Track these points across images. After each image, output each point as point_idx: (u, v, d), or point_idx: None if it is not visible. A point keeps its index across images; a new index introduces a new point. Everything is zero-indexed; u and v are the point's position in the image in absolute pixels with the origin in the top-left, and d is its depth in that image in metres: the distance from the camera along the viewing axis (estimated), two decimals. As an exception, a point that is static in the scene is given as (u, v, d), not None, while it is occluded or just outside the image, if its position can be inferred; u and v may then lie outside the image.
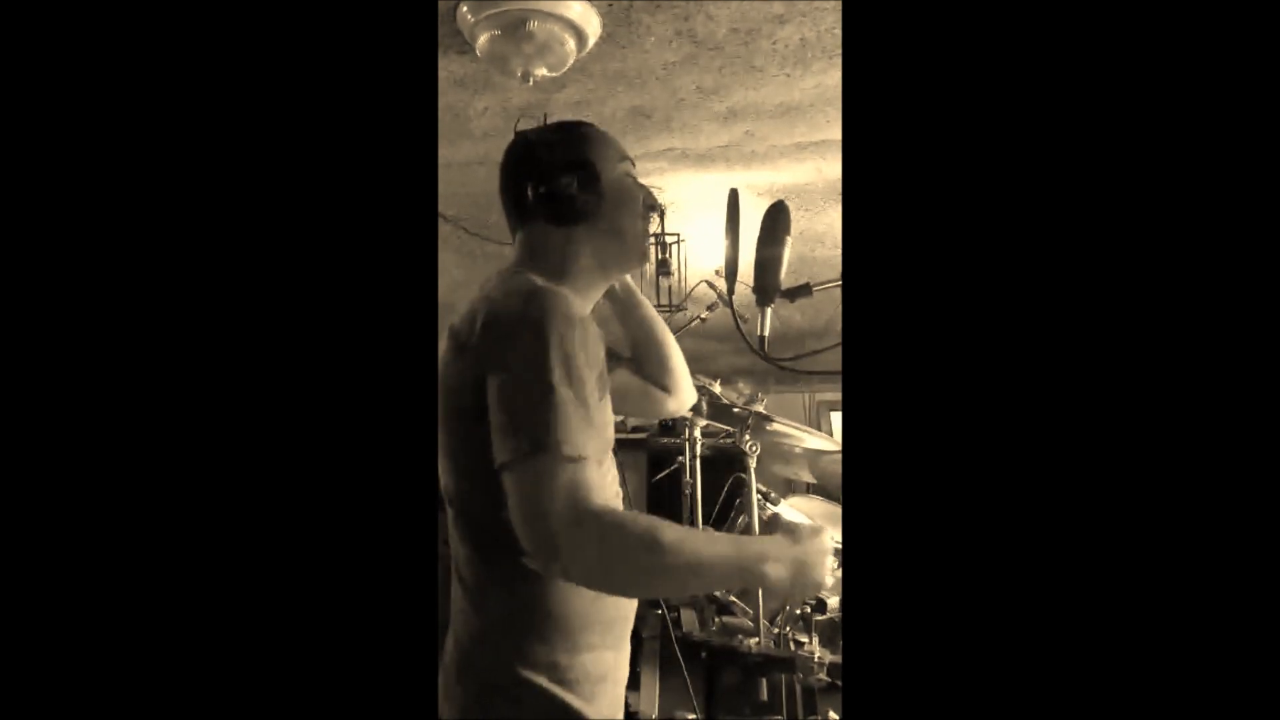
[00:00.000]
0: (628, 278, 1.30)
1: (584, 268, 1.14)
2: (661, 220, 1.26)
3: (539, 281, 1.01)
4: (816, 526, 1.01)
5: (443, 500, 1.06)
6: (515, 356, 0.92)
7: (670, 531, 0.87)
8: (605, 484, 0.99)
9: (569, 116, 1.99)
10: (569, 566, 0.86)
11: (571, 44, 1.54)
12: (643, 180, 1.22)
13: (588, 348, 0.94)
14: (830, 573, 0.99)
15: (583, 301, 1.14)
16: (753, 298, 1.10)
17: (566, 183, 1.09)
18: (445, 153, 2.13)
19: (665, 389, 1.35)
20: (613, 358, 1.30)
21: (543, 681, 0.95)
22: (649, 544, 0.85)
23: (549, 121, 1.20)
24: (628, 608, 1.08)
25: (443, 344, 1.05)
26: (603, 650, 1.01)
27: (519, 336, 0.92)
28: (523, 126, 1.21)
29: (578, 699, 0.97)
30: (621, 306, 1.31)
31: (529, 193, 1.12)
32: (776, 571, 0.93)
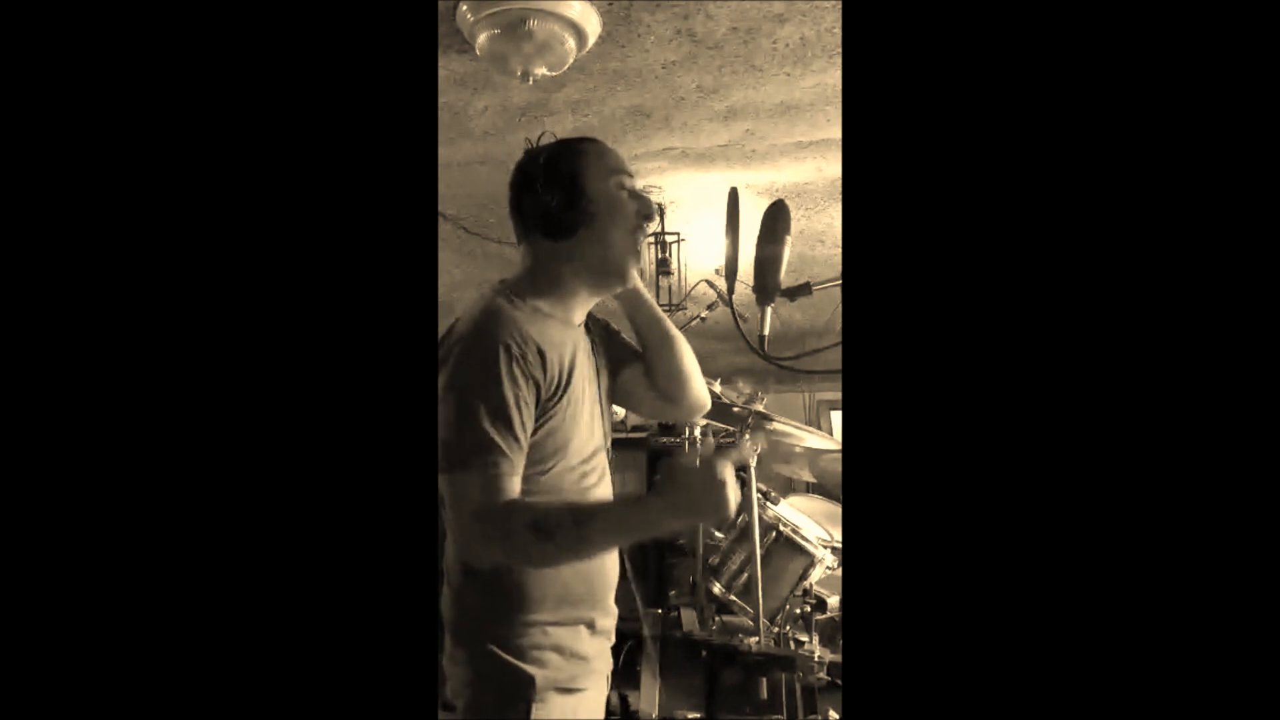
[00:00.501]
0: (637, 277, 1.30)
1: (573, 281, 1.20)
2: (661, 219, 1.27)
3: (499, 302, 1.12)
4: (707, 459, 1.02)
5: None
6: (454, 373, 1.06)
7: (558, 516, 1.04)
8: (564, 487, 1.13)
9: (568, 116, 2.01)
10: (481, 557, 1.08)
11: (571, 43, 1.54)
12: (642, 179, 1.23)
13: (519, 371, 1.05)
14: (731, 499, 1.00)
15: (559, 318, 1.18)
16: (753, 297, 1.10)
17: (550, 198, 1.16)
18: (445, 152, 2.13)
19: (670, 395, 1.32)
20: (629, 355, 1.33)
21: (499, 651, 1.10)
22: (539, 532, 1.01)
23: (554, 137, 1.24)
24: (582, 587, 1.16)
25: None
26: (555, 625, 1.13)
27: (460, 355, 1.06)
28: (526, 132, 1.23)
29: (527, 664, 1.10)
30: (628, 306, 1.31)
31: (524, 208, 1.20)
32: (667, 522, 1.04)
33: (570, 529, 1.03)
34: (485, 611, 1.12)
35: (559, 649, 1.13)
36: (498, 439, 1.03)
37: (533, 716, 1.08)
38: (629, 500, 1.20)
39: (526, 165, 1.20)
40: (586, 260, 1.18)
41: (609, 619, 1.22)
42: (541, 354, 1.08)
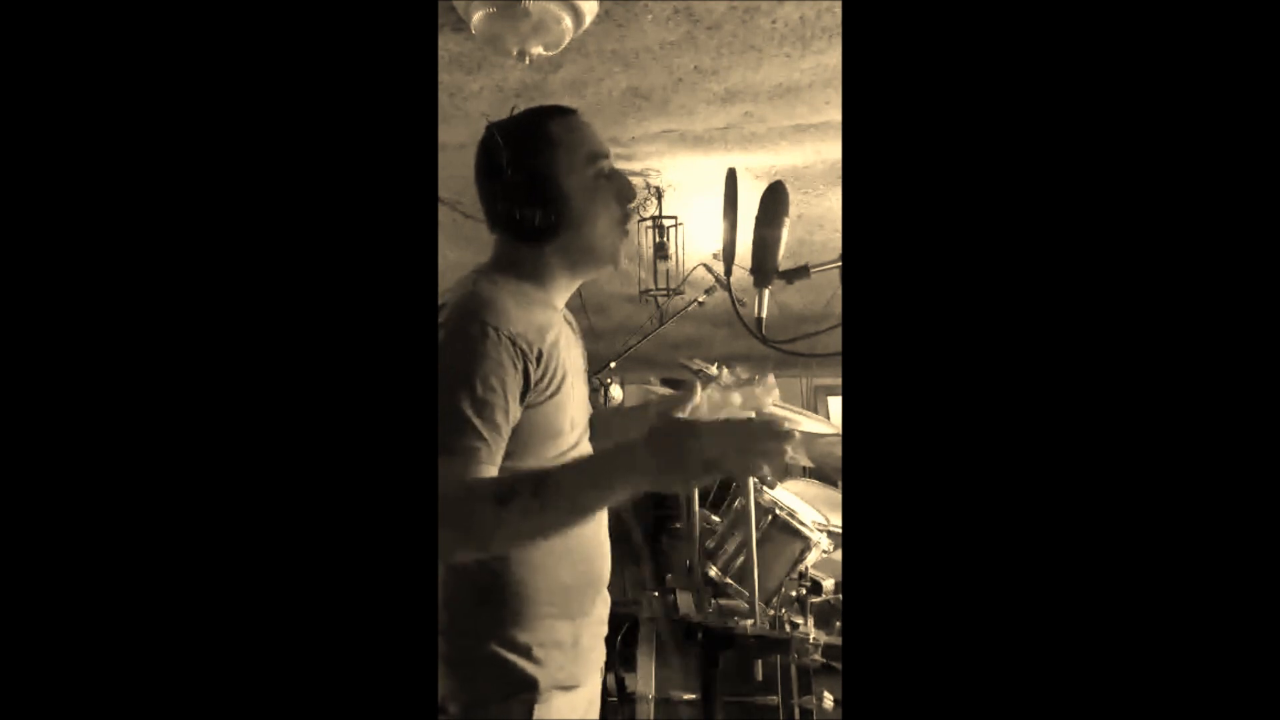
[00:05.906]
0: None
1: (556, 274, 1.16)
2: (659, 203, 1.25)
3: (482, 284, 1.07)
4: (769, 424, 0.93)
5: None
6: (440, 359, 1.01)
7: (514, 481, 0.97)
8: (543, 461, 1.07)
9: (565, 97, 1.99)
10: (449, 549, 0.95)
11: (568, 22, 1.52)
12: (639, 162, 1.22)
13: (505, 357, 1.01)
14: (779, 455, 0.93)
15: (542, 300, 1.15)
16: (750, 280, 1.09)
17: (519, 199, 1.11)
18: (440, 133, 2.11)
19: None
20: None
21: (500, 650, 1.05)
22: (499, 502, 0.94)
23: (519, 111, 1.19)
24: (579, 578, 1.13)
25: None
26: (558, 619, 1.09)
27: (443, 340, 1.02)
28: (494, 117, 1.19)
29: (530, 664, 1.06)
30: None
31: (492, 206, 1.15)
32: (653, 473, 0.94)
33: (528, 495, 0.94)
34: (479, 608, 1.07)
35: (559, 644, 1.09)
36: (477, 423, 0.99)
37: (535, 718, 1.05)
38: (603, 453, 1.04)
39: (496, 156, 1.14)
40: (568, 252, 1.15)
41: (605, 607, 1.19)
42: (528, 339, 1.04)
